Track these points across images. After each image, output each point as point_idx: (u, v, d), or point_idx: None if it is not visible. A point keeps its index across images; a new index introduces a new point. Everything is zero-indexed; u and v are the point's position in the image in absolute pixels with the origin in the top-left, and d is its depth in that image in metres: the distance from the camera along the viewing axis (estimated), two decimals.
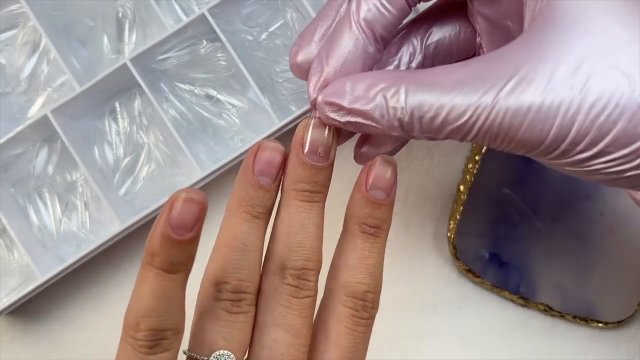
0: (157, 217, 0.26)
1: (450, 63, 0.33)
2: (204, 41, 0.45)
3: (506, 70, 0.26)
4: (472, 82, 0.26)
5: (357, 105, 0.27)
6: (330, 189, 0.30)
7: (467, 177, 0.45)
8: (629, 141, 0.25)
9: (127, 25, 0.45)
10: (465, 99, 0.26)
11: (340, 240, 0.31)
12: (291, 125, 0.43)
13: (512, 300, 0.45)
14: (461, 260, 0.44)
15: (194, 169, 0.43)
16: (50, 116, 0.42)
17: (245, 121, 0.45)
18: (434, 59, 0.33)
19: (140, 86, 0.43)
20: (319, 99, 0.29)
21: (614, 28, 0.25)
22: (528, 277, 0.44)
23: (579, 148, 0.25)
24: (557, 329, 0.45)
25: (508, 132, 0.26)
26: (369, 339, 0.30)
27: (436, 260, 0.46)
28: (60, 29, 0.45)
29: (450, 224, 0.45)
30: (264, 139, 0.42)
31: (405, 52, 0.33)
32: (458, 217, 0.44)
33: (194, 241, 0.26)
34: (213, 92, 0.45)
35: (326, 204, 0.30)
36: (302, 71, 0.31)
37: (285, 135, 0.43)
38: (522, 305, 0.45)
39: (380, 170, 0.30)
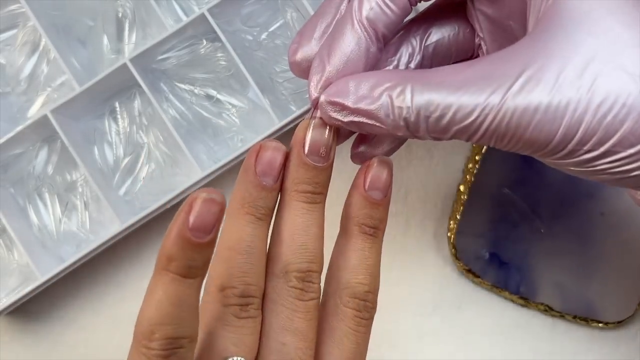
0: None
1: (448, 63, 0.33)
2: (204, 41, 0.45)
3: (513, 70, 0.26)
4: (479, 82, 0.26)
5: (362, 105, 0.27)
6: (329, 188, 0.30)
7: (468, 177, 0.45)
8: (635, 141, 0.25)
9: (127, 25, 0.45)
10: (472, 98, 0.26)
11: (339, 240, 0.31)
12: (291, 125, 0.42)
13: (512, 300, 0.45)
14: (461, 260, 0.44)
15: (194, 169, 0.43)
16: (50, 116, 0.42)
17: (245, 121, 0.45)
18: (433, 59, 0.33)
19: (140, 86, 0.43)
20: (322, 98, 0.28)
21: (618, 29, 0.25)
22: (528, 277, 0.44)
23: (585, 148, 0.26)
24: (557, 329, 0.45)
25: (515, 132, 0.26)
26: (369, 338, 0.30)
27: (436, 260, 0.46)
28: (60, 29, 0.45)
29: (450, 224, 0.45)
30: (263, 139, 0.42)
31: (404, 52, 0.33)
32: (458, 217, 0.44)
33: (212, 244, 0.25)
34: (213, 92, 0.45)
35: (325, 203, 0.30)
36: (302, 69, 0.31)
37: (285, 135, 0.43)
38: (522, 306, 0.45)
39: (377, 171, 0.30)
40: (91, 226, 0.45)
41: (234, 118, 0.45)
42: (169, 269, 0.25)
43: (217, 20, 0.42)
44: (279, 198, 0.30)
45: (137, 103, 0.45)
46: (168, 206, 0.43)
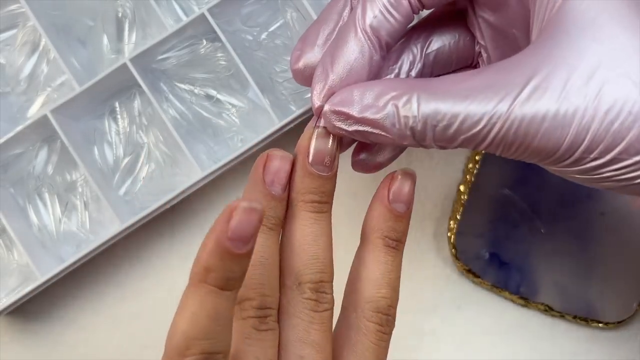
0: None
1: (449, 71, 0.33)
2: (204, 41, 0.45)
3: (520, 79, 0.26)
4: (485, 91, 0.26)
5: (367, 114, 0.27)
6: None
7: (468, 177, 0.45)
8: None
9: (127, 25, 0.45)
10: (479, 107, 0.26)
11: (361, 252, 0.31)
12: (291, 125, 0.42)
13: (512, 300, 0.45)
14: (461, 260, 0.44)
15: (194, 169, 0.42)
16: (49, 116, 0.42)
17: (245, 121, 0.45)
18: (433, 67, 0.33)
19: (140, 86, 0.43)
20: (326, 107, 0.28)
21: (622, 37, 0.26)
22: (528, 277, 0.44)
23: (592, 156, 0.26)
24: (557, 329, 0.45)
25: (523, 141, 0.26)
26: (387, 353, 0.30)
27: (436, 260, 0.46)
28: (60, 28, 0.45)
29: (450, 224, 0.45)
30: (263, 139, 0.42)
31: (405, 61, 0.32)
32: (458, 217, 0.44)
33: (250, 254, 0.25)
34: (213, 92, 0.45)
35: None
36: (305, 77, 0.31)
37: (285, 136, 0.43)
38: (522, 306, 0.45)
39: (401, 184, 0.30)
40: (91, 226, 0.45)
41: (234, 118, 0.45)
42: (206, 281, 0.24)
43: (217, 20, 0.42)
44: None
45: (137, 103, 0.45)
46: (168, 206, 0.43)
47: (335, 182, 0.30)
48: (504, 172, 0.44)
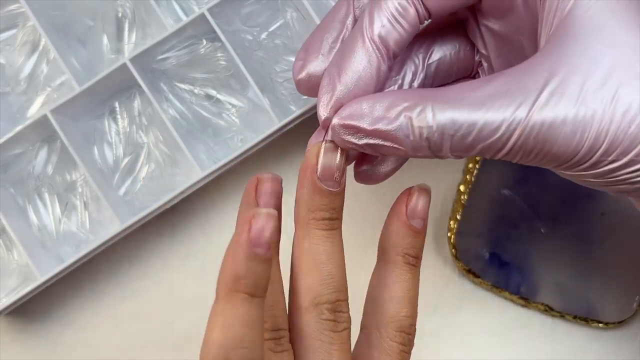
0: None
1: (449, 82, 0.33)
2: (204, 41, 0.45)
3: (535, 84, 0.25)
4: (502, 97, 0.26)
5: (379, 126, 0.27)
6: None
7: (468, 177, 0.45)
8: None
9: (126, 25, 0.45)
10: (497, 114, 0.25)
11: (381, 271, 0.30)
12: (291, 125, 0.42)
13: (512, 301, 0.45)
14: (461, 261, 0.44)
15: (194, 169, 0.42)
16: (49, 116, 0.42)
17: (245, 121, 0.45)
18: (434, 78, 0.33)
19: (139, 86, 0.43)
20: (334, 121, 0.28)
21: (633, 40, 0.26)
22: (528, 277, 0.44)
23: (610, 158, 0.26)
24: (557, 329, 0.45)
25: (543, 147, 0.26)
26: None
27: (436, 260, 0.46)
28: (59, 28, 0.45)
29: (451, 224, 0.45)
30: (264, 139, 0.42)
31: (408, 71, 0.32)
32: (458, 217, 0.44)
33: (271, 260, 0.25)
34: (213, 92, 0.45)
35: None
36: (310, 87, 0.30)
37: (285, 136, 0.43)
38: (523, 306, 0.45)
39: (418, 199, 0.30)
40: (91, 226, 0.45)
41: (233, 118, 0.45)
42: (237, 289, 0.25)
43: (217, 20, 0.42)
44: (294, 229, 0.29)
45: (137, 103, 0.45)
46: (168, 206, 0.43)
47: (344, 197, 0.29)
48: (504, 172, 0.44)
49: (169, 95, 0.45)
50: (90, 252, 0.42)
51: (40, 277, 0.42)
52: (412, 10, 0.28)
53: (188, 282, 0.46)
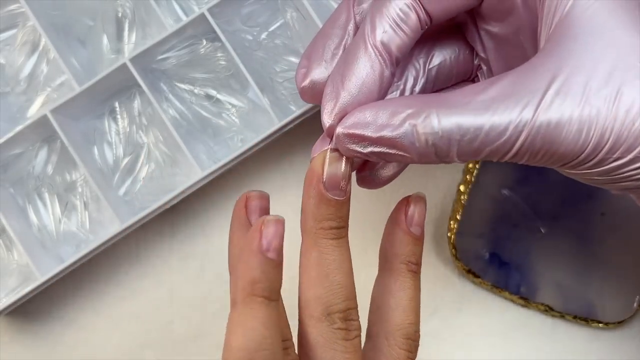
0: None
1: (449, 86, 0.33)
2: (204, 41, 0.45)
3: (538, 85, 0.26)
4: (506, 100, 0.26)
5: (384, 134, 0.27)
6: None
7: (468, 177, 0.45)
8: None
9: (126, 25, 0.45)
10: (504, 116, 0.25)
11: (384, 279, 0.31)
12: (291, 125, 0.42)
13: (512, 301, 0.45)
14: (461, 261, 0.44)
15: (194, 169, 0.42)
16: (49, 116, 0.42)
17: (245, 121, 0.45)
18: (435, 82, 0.33)
19: (139, 86, 0.43)
20: (339, 131, 0.27)
21: (632, 39, 0.26)
22: (528, 277, 0.44)
23: (615, 155, 0.26)
24: (557, 329, 0.45)
25: (551, 146, 0.26)
26: None
27: (436, 261, 0.46)
28: (59, 28, 0.45)
29: (451, 224, 0.45)
30: (264, 139, 0.42)
31: (409, 76, 0.32)
32: (458, 217, 0.44)
33: (282, 264, 0.27)
34: (213, 92, 0.45)
35: None
36: (314, 94, 0.30)
37: (285, 136, 0.43)
38: (523, 306, 0.45)
39: (415, 207, 0.31)
40: (91, 226, 0.45)
41: (233, 118, 0.45)
42: (255, 293, 0.25)
43: (217, 20, 0.42)
44: (302, 239, 0.30)
45: (136, 103, 0.45)
46: (168, 206, 0.43)
47: (349, 205, 0.29)
48: (504, 172, 0.44)
49: (169, 95, 0.45)
50: (90, 252, 0.42)
51: (40, 277, 0.42)
52: (413, 16, 0.28)
53: (188, 282, 0.46)
